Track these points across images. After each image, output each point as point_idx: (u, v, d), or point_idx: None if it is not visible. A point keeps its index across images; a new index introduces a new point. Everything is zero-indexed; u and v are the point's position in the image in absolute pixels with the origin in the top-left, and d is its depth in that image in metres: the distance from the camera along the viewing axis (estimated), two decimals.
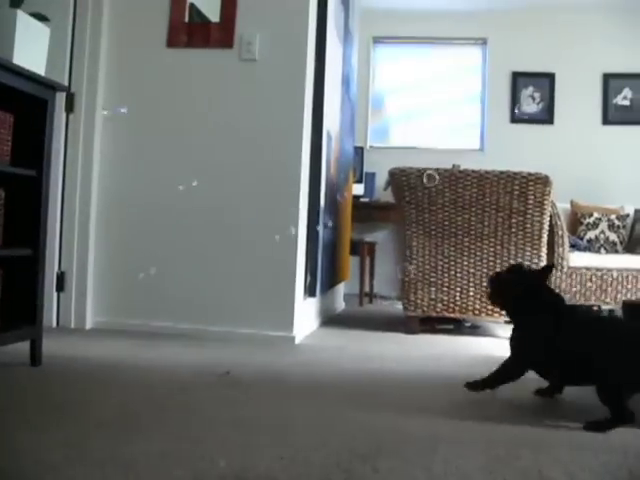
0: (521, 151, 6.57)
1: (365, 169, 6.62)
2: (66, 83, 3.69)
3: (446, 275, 4.14)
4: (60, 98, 3.57)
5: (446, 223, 4.14)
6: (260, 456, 1.73)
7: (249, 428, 1.99)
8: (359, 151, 6.49)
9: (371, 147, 6.96)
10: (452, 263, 4.15)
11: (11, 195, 2.66)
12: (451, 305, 4.13)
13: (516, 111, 6.84)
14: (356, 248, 5.78)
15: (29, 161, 2.69)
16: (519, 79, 6.83)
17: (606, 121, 6.73)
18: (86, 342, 3.38)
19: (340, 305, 5.52)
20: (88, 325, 3.77)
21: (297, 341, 3.63)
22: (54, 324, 3.74)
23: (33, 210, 2.72)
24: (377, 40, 7.09)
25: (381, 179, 6.32)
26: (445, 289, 4.14)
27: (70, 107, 3.76)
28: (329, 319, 4.72)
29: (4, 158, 2.61)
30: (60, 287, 3.77)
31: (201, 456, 1.71)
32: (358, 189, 6.36)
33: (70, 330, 3.70)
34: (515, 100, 6.83)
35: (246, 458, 1.70)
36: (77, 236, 3.76)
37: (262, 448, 1.80)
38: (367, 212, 6.32)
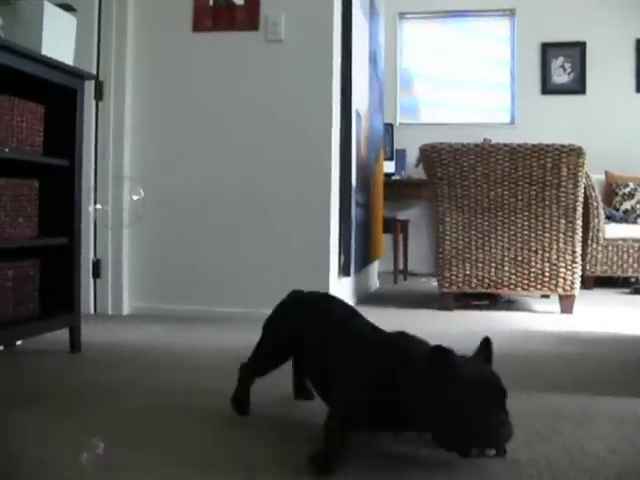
0: (553, 123, 6.48)
1: (395, 146, 6.58)
2: (94, 72, 3.71)
3: (480, 250, 4.11)
4: (89, 86, 3.59)
5: (479, 198, 4.10)
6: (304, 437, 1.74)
7: (285, 409, 2.00)
8: (389, 128, 6.45)
9: (401, 124, 6.92)
10: (486, 238, 4.11)
11: (45, 185, 2.69)
12: (486, 280, 4.11)
13: (547, 82, 6.74)
14: (389, 226, 5.76)
15: (61, 151, 2.72)
16: (549, 49, 6.72)
17: (639, 88, 6.60)
18: (124, 328, 3.42)
19: (374, 283, 5.52)
20: (125, 311, 3.82)
21: None
22: (92, 311, 3.80)
23: (67, 199, 2.75)
24: (403, 15, 7.02)
25: (412, 156, 6.29)
26: (480, 264, 4.12)
27: (99, 95, 3.79)
28: (364, 298, 4.71)
29: (36, 149, 2.64)
30: (96, 274, 3.81)
31: (235, 437, 1.72)
32: (389, 166, 6.33)
33: (108, 316, 3.75)
34: (545, 71, 6.73)
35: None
36: (111, 224, 3.79)
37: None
38: (399, 189, 6.29)
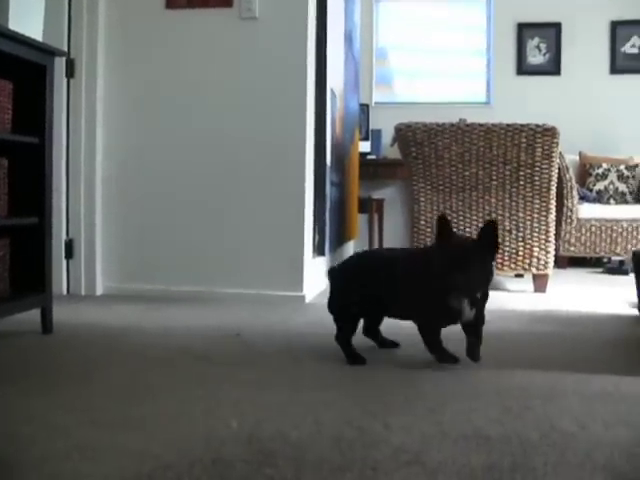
0: (528, 103, 6.50)
1: (371, 126, 6.57)
2: (65, 49, 3.65)
3: (455, 229, 4.11)
4: (60, 64, 3.54)
5: (453, 177, 4.11)
6: (271, 416, 1.73)
7: (260, 389, 2.00)
8: (364, 108, 6.43)
9: (376, 103, 6.89)
10: (461, 217, 4.13)
11: (15, 164, 2.65)
12: None
13: (522, 63, 6.74)
14: (364, 206, 5.76)
15: (31, 128, 2.67)
16: (524, 30, 6.72)
17: (614, 70, 6.63)
18: (96, 308, 3.39)
19: None
20: (98, 291, 3.79)
21: (307, 300, 3.64)
22: (64, 292, 3.76)
23: (37, 178, 2.71)
24: None
25: (387, 136, 6.28)
26: None
27: (71, 73, 3.73)
28: None
29: (5, 126, 2.59)
30: (69, 254, 3.78)
31: (213, 417, 1.71)
32: (365, 146, 6.32)
33: (80, 297, 3.72)
34: (521, 52, 6.73)
35: (258, 418, 1.71)
36: (83, 202, 3.76)
37: (273, 407, 1.81)
38: (374, 169, 6.29)
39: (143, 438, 1.56)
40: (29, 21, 2.62)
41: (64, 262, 3.76)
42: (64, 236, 3.76)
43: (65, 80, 3.71)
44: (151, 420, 1.69)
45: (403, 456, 1.48)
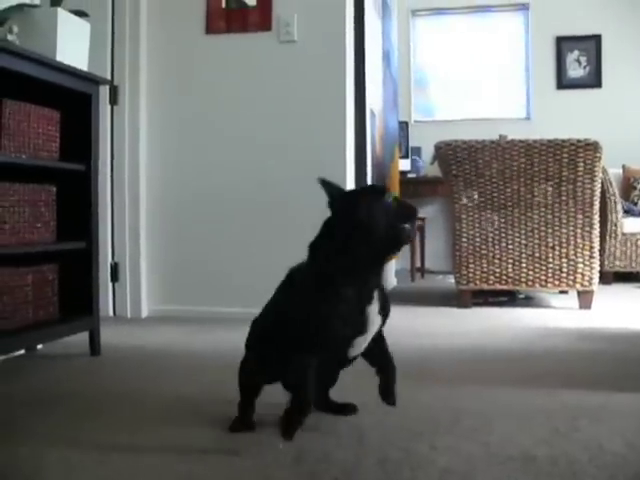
0: (569, 118, 6.44)
1: (410, 144, 6.57)
2: (109, 76, 3.73)
3: (497, 247, 4.10)
4: (104, 91, 3.62)
5: (495, 195, 4.09)
6: (317, 437, 1.74)
7: None
8: (404, 126, 6.44)
9: (416, 121, 6.90)
10: (503, 235, 4.10)
11: (62, 190, 2.71)
12: (503, 277, 4.09)
13: (562, 77, 6.69)
14: None
15: (77, 156, 2.74)
16: (563, 43, 6.68)
17: None
18: (142, 330, 3.44)
19: (392, 281, 5.51)
20: (144, 314, 3.84)
21: None
22: (111, 314, 3.82)
23: (84, 204, 2.77)
24: (415, 12, 7.00)
25: (427, 153, 6.28)
26: (497, 261, 4.10)
27: (114, 99, 3.82)
28: None
29: (53, 154, 2.66)
30: (115, 278, 3.84)
31: (259, 440, 1.73)
32: (404, 165, 6.32)
33: (127, 319, 3.78)
34: (560, 65, 6.69)
35: (303, 439, 1.72)
36: (128, 227, 3.82)
37: (317, 429, 1.81)
38: (415, 187, 6.28)
39: (190, 461, 1.58)
40: (75, 51, 2.69)
41: (110, 285, 3.83)
42: (110, 260, 3.82)
43: (109, 107, 3.79)
44: (196, 442, 1.71)
45: (450, 478, 1.47)
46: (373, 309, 1.65)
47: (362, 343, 1.68)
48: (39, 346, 2.89)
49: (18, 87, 2.53)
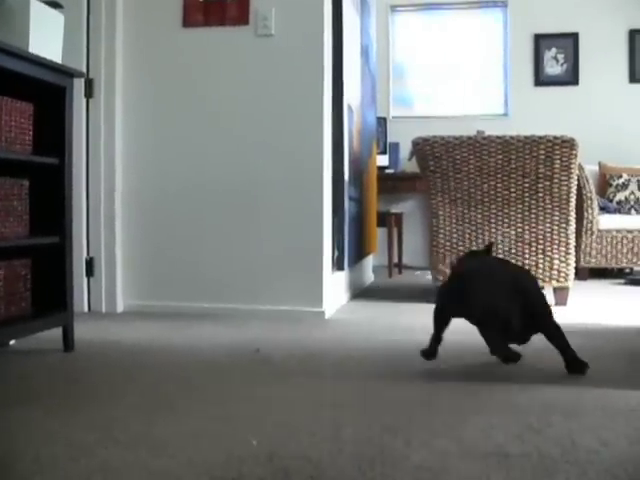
0: (546, 114, 6.48)
1: (389, 140, 6.58)
2: (84, 69, 3.69)
3: (474, 243, 4.11)
4: (79, 84, 3.58)
5: (472, 190, 4.10)
6: (291, 434, 1.73)
7: (280, 406, 2.00)
8: (382, 122, 6.44)
9: (394, 117, 6.91)
10: (480, 231, 4.11)
11: (36, 184, 2.68)
12: None
13: (540, 74, 6.73)
14: (383, 220, 5.75)
15: (51, 149, 2.71)
16: (541, 41, 6.72)
17: (633, 79, 6.60)
18: (117, 326, 3.41)
19: (369, 278, 5.52)
20: (119, 309, 3.81)
21: (327, 316, 3.64)
22: (86, 309, 3.79)
23: (58, 198, 2.74)
24: (394, 8, 7.01)
25: (405, 149, 6.29)
26: None
27: (89, 93, 3.77)
28: (358, 292, 4.71)
29: (26, 148, 2.62)
30: (90, 272, 3.81)
31: (233, 436, 1.72)
32: (382, 160, 6.33)
33: (102, 315, 3.74)
34: (538, 63, 6.72)
35: (278, 437, 1.71)
36: (103, 221, 3.79)
37: (293, 426, 1.80)
38: (393, 183, 6.29)
39: (165, 457, 1.57)
40: (48, 43, 2.65)
41: (85, 280, 3.79)
42: (85, 255, 3.79)
43: (84, 100, 3.75)
44: (173, 439, 1.70)
45: (423, 474, 1.47)
46: None
47: None
48: (11, 342, 2.86)
49: None
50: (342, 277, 4.19)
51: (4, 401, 2.06)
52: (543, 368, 2.48)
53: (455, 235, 4.13)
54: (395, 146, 6.63)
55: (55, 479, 1.45)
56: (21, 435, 1.73)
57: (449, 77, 6.94)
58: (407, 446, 1.64)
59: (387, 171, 6.39)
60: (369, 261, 5.55)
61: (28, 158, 2.62)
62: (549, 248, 4.05)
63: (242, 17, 3.68)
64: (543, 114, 6.48)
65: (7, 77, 2.50)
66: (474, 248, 4.00)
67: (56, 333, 2.75)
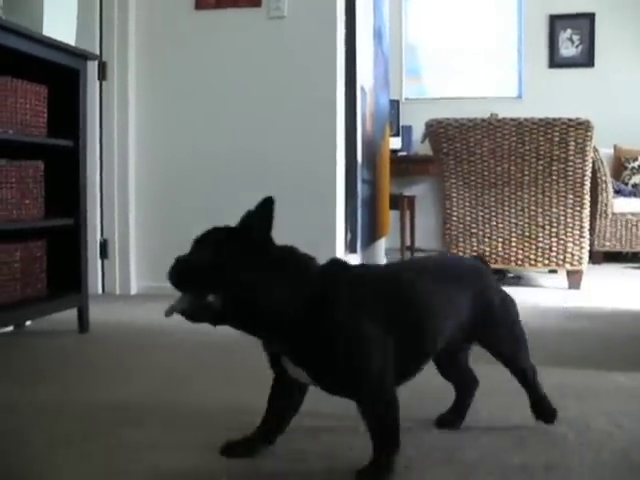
0: (561, 96, 6.42)
1: (401, 122, 6.55)
2: (97, 52, 3.69)
3: (487, 226, 4.10)
4: (92, 67, 3.58)
5: (485, 173, 4.08)
6: (300, 416, 1.74)
7: None
8: (395, 104, 6.41)
9: (407, 99, 6.87)
10: (493, 214, 4.10)
11: (50, 166, 2.69)
12: (493, 256, 4.10)
13: (555, 55, 6.66)
14: (396, 202, 5.74)
15: (65, 131, 2.71)
16: (557, 21, 6.64)
17: None
18: (131, 307, 3.43)
19: (381, 260, 5.52)
20: (133, 290, 3.83)
21: None
22: (100, 291, 3.81)
23: (72, 180, 2.75)
24: None
25: (418, 132, 6.25)
26: (487, 240, 4.10)
27: (103, 75, 3.78)
28: None
29: (41, 130, 2.63)
30: (104, 254, 3.82)
31: (248, 412, 1.73)
32: (395, 143, 6.30)
33: (116, 296, 3.77)
34: (553, 44, 6.66)
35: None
36: (117, 203, 3.80)
37: (305, 404, 1.81)
38: (405, 166, 6.27)
39: (179, 434, 1.58)
40: (62, 26, 2.66)
41: (99, 262, 3.81)
42: (99, 237, 3.80)
43: (98, 83, 3.76)
44: (186, 417, 1.71)
45: (437, 454, 1.48)
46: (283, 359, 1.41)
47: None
48: (27, 323, 2.88)
49: (5, 62, 2.50)
50: (355, 259, 4.19)
51: (20, 380, 2.08)
52: (557, 350, 2.47)
53: (468, 218, 4.12)
54: (408, 128, 6.60)
55: (70, 456, 1.46)
56: (36, 413, 1.75)
57: (462, 59, 6.89)
58: (420, 426, 1.64)
59: (400, 153, 6.37)
60: (382, 244, 5.54)
61: (43, 140, 2.63)
62: (563, 231, 4.03)
63: None
64: (558, 96, 6.42)
65: (22, 60, 2.50)
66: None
67: (71, 315, 2.77)
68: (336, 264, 1.45)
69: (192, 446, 1.52)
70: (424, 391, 1.82)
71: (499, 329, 1.61)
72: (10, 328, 2.78)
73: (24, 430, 1.64)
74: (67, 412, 1.77)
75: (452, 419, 1.67)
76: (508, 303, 1.67)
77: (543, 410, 1.64)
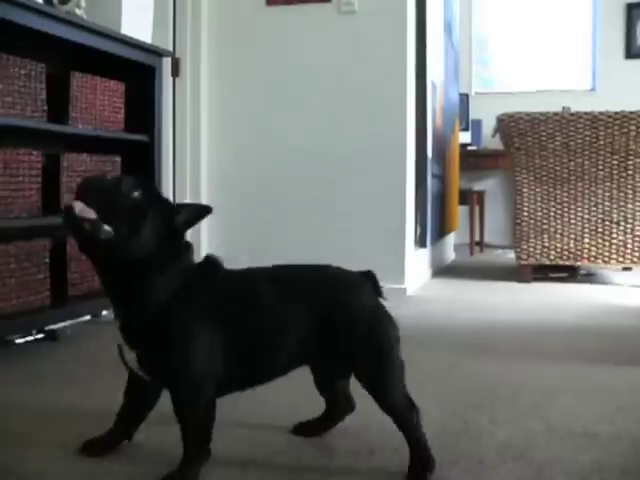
0: (637, 89, 6.24)
1: (471, 116, 6.47)
2: (170, 48, 3.76)
3: (559, 222, 4.03)
4: (166, 64, 3.65)
5: (558, 168, 4.01)
6: (375, 407, 1.75)
7: None
8: (464, 98, 6.34)
9: (476, 93, 6.79)
10: (565, 209, 4.02)
11: (126, 161, 2.77)
12: (565, 252, 4.03)
13: (631, 46, 6.47)
14: (465, 197, 5.69)
15: (141, 127, 2.79)
16: (634, 10, 6.45)
17: None
18: None
19: (450, 255, 5.48)
20: None
21: (409, 292, 3.64)
22: None
23: (147, 174, 2.82)
24: None
25: (488, 126, 6.18)
26: (558, 236, 4.04)
27: (176, 71, 3.85)
28: (440, 270, 4.69)
29: (118, 125, 2.71)
30: None
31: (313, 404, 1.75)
32: (465, 137, 6.24)
33: None
34: (630, 34, 6.47)
35: (362, 409, 1.73)
36: (189, 196, 3.87)
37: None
38: (475, 160, 6.20)
39: (250, 427, 1.61)
40: (139, 24, 2.73)
41: None
42: None
43: (171, 79, 3.84)
44: (245, 404, 1.74)
45: (509, 451, 1.47)
46: (119, 337, 1.38)
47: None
48: (104, 312, 2.96)
49: (85, 60, 2.58)
50: (424, 254, 4.18)
51: (95, 366, 2.14)
52: (631, 349, 2.42)
53: (540, 213, 4.06)
54: (477, 122, 6.52)
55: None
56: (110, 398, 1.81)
57: (533, 51, 6.76)
58: (492, 423, 1.64)
59: (469, 148, 6.30)
60: (450, 239, 5.50)
61: (120, 135, 2.71)
62: (639, 228, 3.94)
63: None
64: (634, 88, 6.24)
65: (101, 57, 2.58)
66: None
67: None
68: (208, 262, 1.46)
69: (264, 434, 1.55)
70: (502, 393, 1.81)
71: (357, 355, 1.40)
72: (87, 317, 2.87)
73: (95, 411, 1.69)
74: None
75: (311, 428, 1.59)
76: (378, 327, 1.45)
77: (417, 460, 1.36)
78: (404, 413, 1.39)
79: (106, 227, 1.28)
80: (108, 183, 1.36)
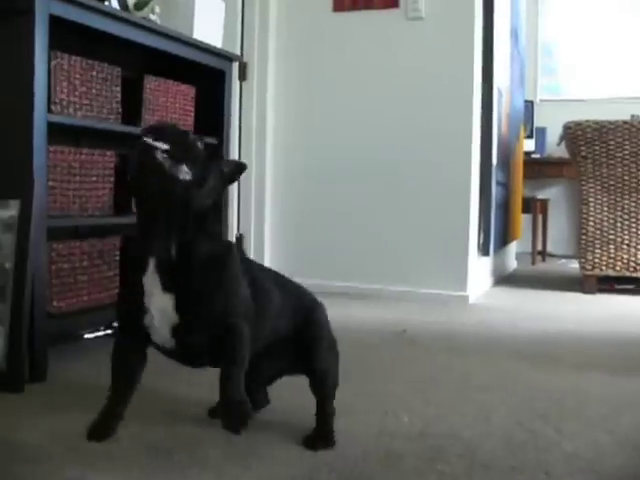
0: None
1: (536, 124, 6.39)
2: (238, 53, 3.83)
3: (626, 232, 3.95)
4: (234, 67, 3.71)
5: (626, 178, 3.94)
6: (441, 414, 1.76)
7: (427, 385, 2.03)
8: (529, 105, 6.26)
9: (541, 100, 6.70)
10: (633, 219, 3.94)
11: None
12: (632, 264, 3.94)
13: None
14: (528, 205, 5.62)
15: (211, 130, 2.83)
16: None
17: None
18: None
19: (512, 264, 5.42)
20: None
21: (471, 300, 3.62)
22: None
23: None
24: None
25: (552, 134, 6.09)
26: (625, 247, 3.96)
27: (243, 76, 3.91)
28: (502, 278, 4.65)
29: (188, 128, 2.76)
30: (239, 249, 3.95)
31: (384, 411, 1.76)
32: (529, 145, 6.16)
33: None
34: None
35: (428, 415, 1.74)
36: (254, 200, 3.93)
37: (443, 406, 1.83)
38: (539, 168, 6.12)
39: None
40: (211, 29, 2.78)
41: None
42: (235, 231, 3.94)
43: (238, 83, 3.90)
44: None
45: (576, 462, 1.46)
46: (149, 281, 1.37)
47: (158, 329, 1.40)
48: None
49: (158, 64, 2.64)
50: (487, 262, 4.14)
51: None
52: None
53: (606, 224, 3.99)
54: (542, 130, 6.43)
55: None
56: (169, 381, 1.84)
57: (600, 58, 6.63)
58: (559, 434, 1.63)
59: (533, 155, 6.22)
60: (512, 247, 5.44)
61: None
62: None
63: (392, 0, 3.69)
64: None
65: (173, 61, 2.64)
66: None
67: None
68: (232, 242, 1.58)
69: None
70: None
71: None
72: None
73: (162, 395, 1.72)
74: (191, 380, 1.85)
75: None
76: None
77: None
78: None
79: (185, 168, 1.30)
80: (179, 130, 1.41)
